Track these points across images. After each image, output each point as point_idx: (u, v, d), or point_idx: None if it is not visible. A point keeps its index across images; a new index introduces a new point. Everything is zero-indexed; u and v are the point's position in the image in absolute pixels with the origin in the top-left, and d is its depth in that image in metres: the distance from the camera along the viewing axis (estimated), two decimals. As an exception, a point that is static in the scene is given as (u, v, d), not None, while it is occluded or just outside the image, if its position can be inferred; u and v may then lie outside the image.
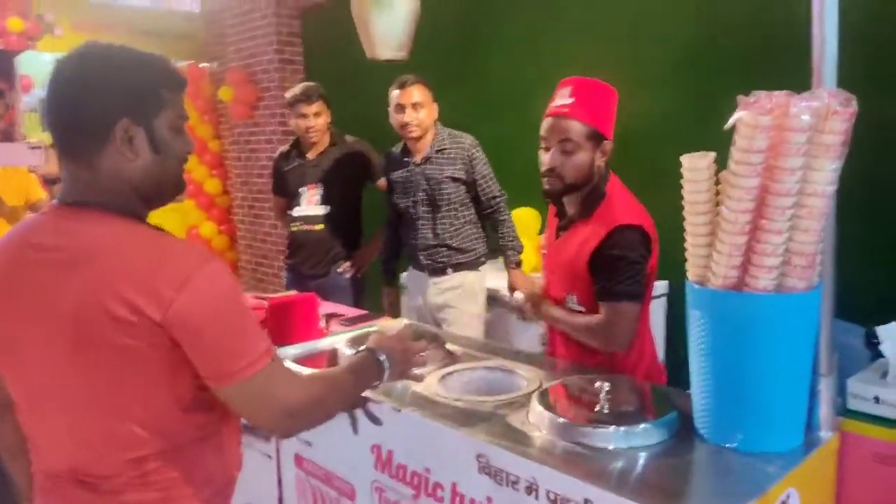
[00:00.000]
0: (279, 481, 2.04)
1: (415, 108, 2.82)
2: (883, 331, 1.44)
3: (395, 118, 2.89)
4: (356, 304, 3.16)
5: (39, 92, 6.65)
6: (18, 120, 5.53)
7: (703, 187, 1.30)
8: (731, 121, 1.21)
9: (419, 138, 2.87)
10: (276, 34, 5.09)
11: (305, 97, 3.15)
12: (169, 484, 1.08)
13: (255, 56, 5.31)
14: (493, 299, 3.05)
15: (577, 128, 1.75)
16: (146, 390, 1.04)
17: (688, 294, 1.39)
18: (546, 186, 1.82)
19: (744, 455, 1.31)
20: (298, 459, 1.95)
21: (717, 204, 1.31)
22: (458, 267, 2.95)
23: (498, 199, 2.91)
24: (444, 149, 2.87)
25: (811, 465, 1.32)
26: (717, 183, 1.32)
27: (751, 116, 1.17)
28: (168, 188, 1.13)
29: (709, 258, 1.32)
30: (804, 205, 1.22)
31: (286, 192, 3.34)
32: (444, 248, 2.92)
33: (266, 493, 2.09)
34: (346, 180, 3.27)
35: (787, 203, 1.21)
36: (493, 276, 3.08)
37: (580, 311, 1.84)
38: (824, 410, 1.40)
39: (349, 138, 3.34)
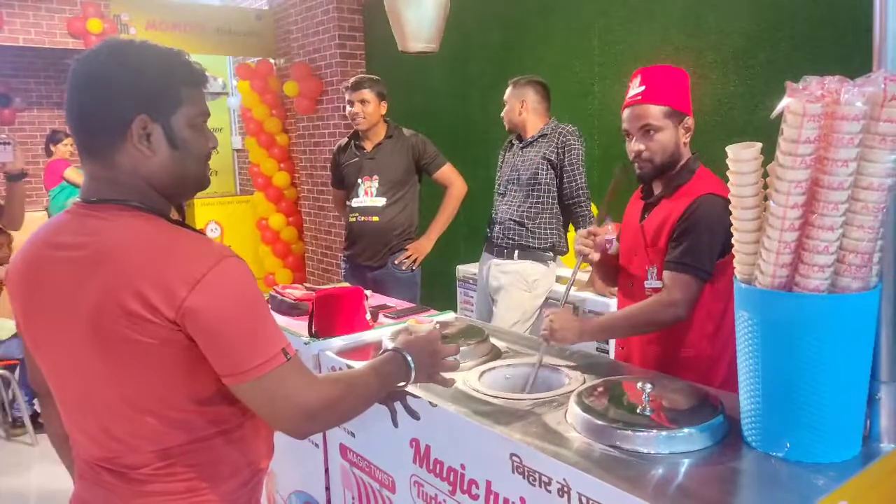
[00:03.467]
0: (326, 470, 2.07)
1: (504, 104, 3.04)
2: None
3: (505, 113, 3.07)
4: (414, 297, 3.18)
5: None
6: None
7: (750, 180, 1.22)
8: (777, 109, 1.13)
9: (523, 131, 3.03)
10: (337, 29, 5.16)
11: (353, 85, 3.24)
12: (193, 475, 1.10)
13: (319, 51, 5.40)
14: (552, 302, 3.01)
15: (653, 111, 1.78)
16: (164, 386, 1.06)
17: (735, 294, 1.32)
18: (638, 171, 1.86)
19: (792, 465, 1.24)
20: (343, 449, 1.97)
21: (766, 198, 1.23)
22: (524, 253, 2.94)
23: (581, 193, 2.90)
24: (546, 135, 2.96)
25: (867, 478, 1.23)
26: (766, 175, 1.24)
27: (799, 104, 1.09)
28: (188, 184, 1.14)
29: (756, 256, 1.25)
30: (858, 199, 1.13)
31: (344, 185, 3.40)
32: (517, 226, 2.95)
33: (314, 480, 2.13)
34: (402, 172, 3.29)
35: (839, 197, 1.13)
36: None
37: (657, 288, 1.82)
38: (885, 420, 1.30)
39: (406, 131, 3.36)
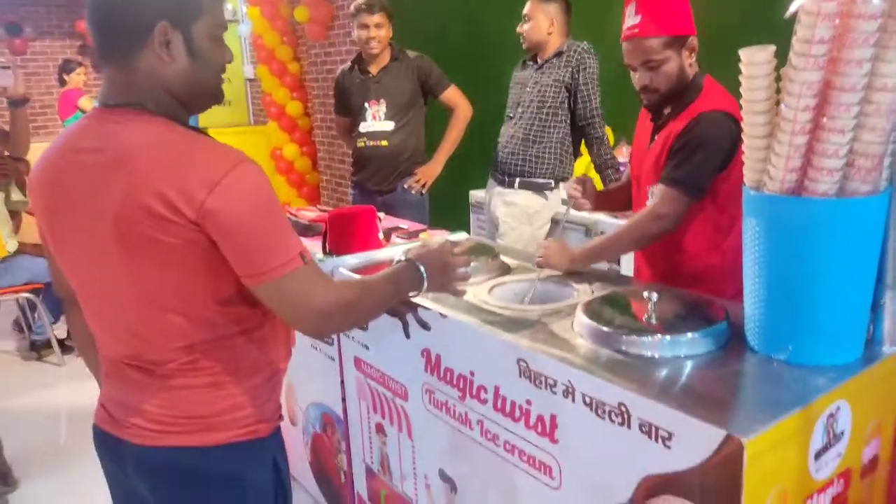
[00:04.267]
0: (342, 382, 2.14)
1: (525, 20, 2.90)
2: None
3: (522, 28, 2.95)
4: (424, 220, 3.21)
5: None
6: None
7: (762, 83, 1.21)
8: (791, 8, 1.10)
9: (537, 50, 2.92)
10: (348, -51, 5.01)
11: (367, 7, 3.15)
12: (217, 371, 1.15)
13: (329, -27, 5.26)
14: (555, 223, 3.01)
15: (653, 45, 1.72)
16: (186, 285, 1.09)
17: (744, 201, 1.32)
18: (645, 102, 1.84)
19: (794, 367, 1.27)
20: (357, 362, 2.03)
21: (778, 103, 1.21)
22: (524, 182, 2.93)
23: (596, 114, 2.86)
24: (562, 53, 2.87)
25: (867, 379, 1.26)
26: (779, 80, 1.22)
27: (813, 3, 1.07)
28: (204, 94, 1.15)
29: (766, 161, 1.24)
30: (871, 101, 1.12)
31: (349, 110, 3.37)
32: (522, 149, 2.92)
33: (331, 392, 2.21)
34: (409, 95, 3.27)
35: (852, 99, 1.11)
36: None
37: None
38: (888, 324, 1.32)
39: (410, 53, 3.31)
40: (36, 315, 3.95)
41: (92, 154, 1.08)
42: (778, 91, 1.21)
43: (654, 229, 1.75)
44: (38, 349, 4.01)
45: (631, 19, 1.73)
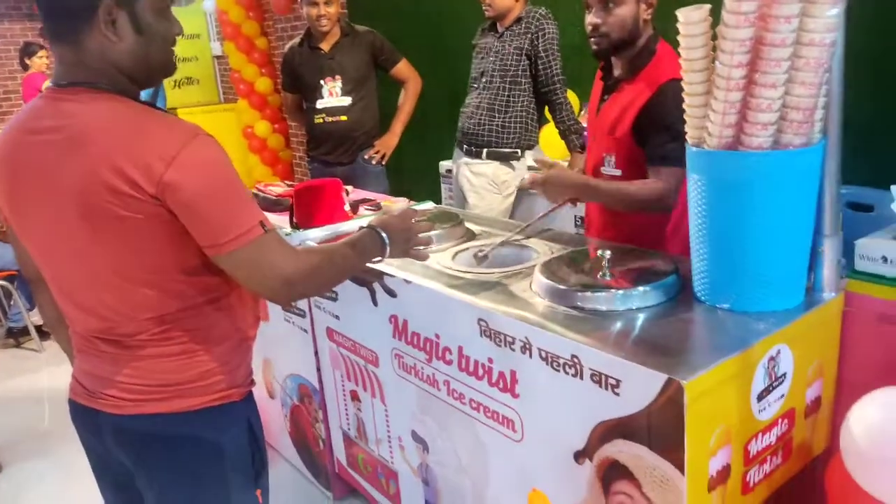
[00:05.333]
0: (315, 353, 2.19)
1: None
2: (897, 189, 1.38)
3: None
4: (385, 189, 3.26)
5: None
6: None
7: (699, 42, 1.25)
8: (722, -33, 1.14)
9: (500, 18, 2.88)
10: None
11: None
12: (187, 339, 1.18)
13: (292, -55, 5.19)
14: (521, 191, 3.05)
15: None
16: (152, 258, 1.12)
17: (687, 157, 1.37)
18: (594, 47, 1.82)
19: (737, 314, 1.33)
20: (329, 332, 2.08)
21: (714, 61, 1.26)
22: (492, 153, 2.96)
23: (557, 80, 2.87)
24: (521, 19, 2.86)
25: (807, 323, 1.33)
26: (716, 39, 1.26)
27: (742, -40, 1.11)
28: (155, 68, 1.17)
29: (706, 119, 1.29)
30: (801, 56, 1.16)
31: (301, 87, 3.37)
32: (488, 119, 2.93)
33: (307, 364, 2.25)
34: (364, 70, 3.30)
35: (782, 54, 1.16)
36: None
37: (614, 176, 1.82)
38: (827, 271, 1.39)
39: (359, 28, 3.33)
40: (11, 302, 3.94)
41: (49, 133, 1.09)
42: (714, 50, 1.25)
43: (656, 205, 1.71)
44: (15, 336, 4.01)
45: None
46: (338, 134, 3.32)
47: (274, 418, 2.58)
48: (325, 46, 3.28)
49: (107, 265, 1.13)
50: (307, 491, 2.46)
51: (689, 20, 1.24)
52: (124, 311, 1.16)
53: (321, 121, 3.33)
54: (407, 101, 3.40)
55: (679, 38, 1.27)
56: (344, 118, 3.29)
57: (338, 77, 3.26)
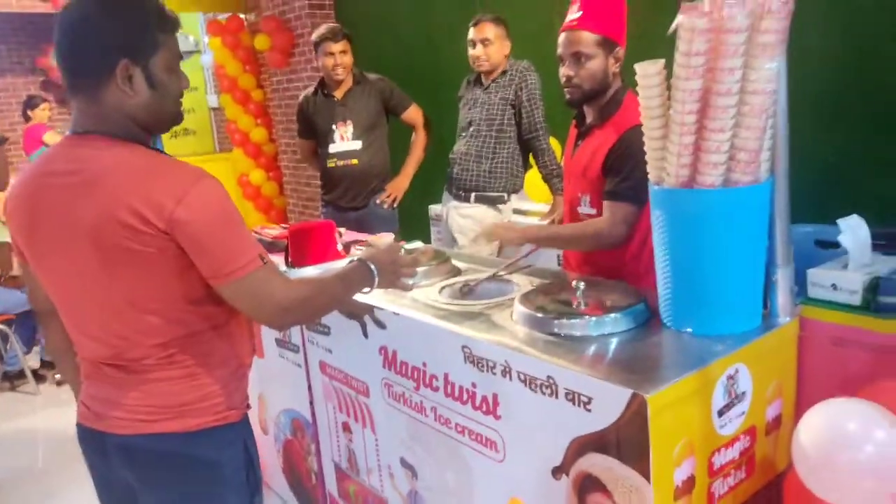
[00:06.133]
0: (309, 387, 2.27)
1: (484, 44, 3.02)
2: (843, 223, 1.52)
3: (469, 53, 3.09)
4: (398, 234, 3.39)
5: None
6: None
7: (655, 93, 1.40)
8: (672, 26, 1.29)
9: (490, 71, 3.06)
10: (304, -21, 5.20)
11: (332, 35, 3.33)
12: (190, 363, 1.29)
13: (287, 3, 5.44)
14: None
15: (587, 38, 1.88)
16: (160, 288, 1.24)
17: (650, 194, 1.50)
18: (567, 97, 1.98)
19: (699, 337, 1.44)
20: (322, 366, 2.17)
21: (669, 108, 1.40)
22: (480, 197, 3.11)
23: (539, 127, 3.04)
24: (506, 72, 3.05)
25: (764, 345, 1.44)
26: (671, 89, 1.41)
27: (689, 20, 1.26)
28: (165, 119, 1.30)
29: (664, 160, 1.43)
30: (746, 103, 1.31)
31: (314, 133, 3.53)
32: (476, 165, 3.10)
33: (299, 398, 2.34)
34: (374, 115, 3.46)
35: (729, 102, 1.30)
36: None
37: (590, 214, 1.96)
38: (782, 298, 1.50)
39: (370, 76, 3.49)
40: (8, 346, 4.01)
41: (66, 176, 1.22)
42: (670, 99, 1.40)
43: (606, 240, 1.87)
44: (10, 379, 4.06)
45: (573, 14, 1.91)
46: (350, 177, 3.47)
47: (267, 454, 2.64)
48: (338, 94, 3.46)
49: (117, 295, 1.24)
50: (299, 525, 2.51)
51: (646, 73, 1.39)
52: (132, 338, 1.26)
53: (333, 165, 3.48)
54: (417, 145, 3.55)
55: (638, 88, 1.42)
56: (355, 162, 3.45)
57: (349, 122, 3.43)
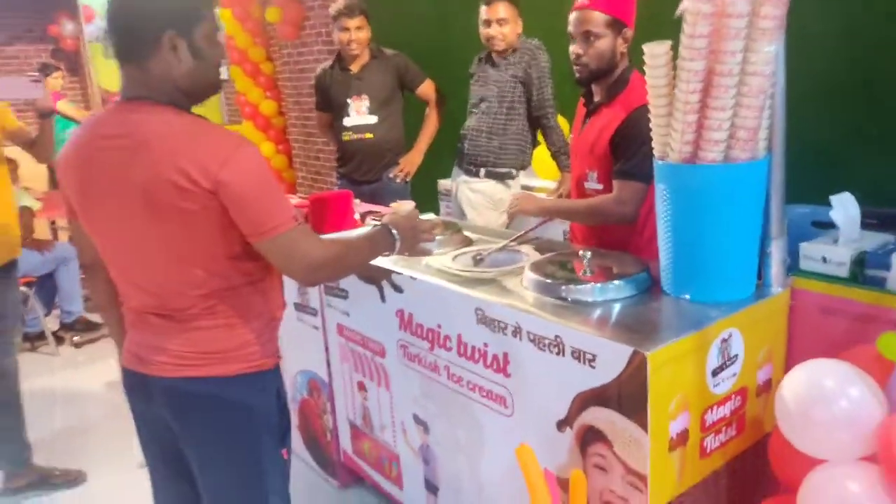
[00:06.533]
0: (326, 348, 2.39)
1: (500, 24, 3.05)
2: (835, 199, 1.62)
3: (482, 31, 3.12)
4: None
5: (100, 23, 7.02)
6: (84, 49, 5.81)
7: (662, 73, 1.49)
8: (678, 10, 1.38)
9: (503, 51, 3.11)
10: (317, -49, 5.23)
11: (348, 11, 3.39)
12: (229, 314, 1.40)
13: (300, -25, 5.47)
14: None
15: (596, 17, 1.95)
16: (205, 243, 1.35)
17: (654, 169, 1.60)
18: (577, 75, 2.06)
19: (696, 303, 1.55)
20: (339, 328, 2.29)
21: (675, 87, 1.49)
22: (489, 172, 3.20)
23: (548, 105, 3.11)
24: (517, 49, 3.11)
25: (756, 312, 1.55)
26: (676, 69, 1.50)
27: (694, 4, 1.35)
28: (207, 87, 1.40)
29: (668, 136, 1.52)
30: (745, 84, 1.40)
31: (331, 106, 3.61)
32: (487, 140, 3.18)
33: (316, 359, 2.46)
34: (389, 90, 3.54)
35: (730, 83, 1.40)
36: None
37: (597, 190, 2.05)
38: (775, 269, 1.61)
39: (387, 51, 3.56)
40: (28, 307, 4.13)
41: (117, 139, 1.32)
42: (675, 78, 1.49)
43: (616, 214, 1.96)
44: (31, 340, 4.19)
45: None
46: (364, 151, 3.56)
47: (283, 413, 2.77)
48: (355, 68, 3.53)
49: (165, 249, 1.35)
50: (313, 481, 2.65)
51: (654, 54, 1.48)
52: (177, 288, 1.37)
53: (349, 138, 3.57)
54: (430, 121, 3.62)
55: (645, 67, 1.51)
56: (370, 136, 3.53)
57: (364, 96, 3.51)
